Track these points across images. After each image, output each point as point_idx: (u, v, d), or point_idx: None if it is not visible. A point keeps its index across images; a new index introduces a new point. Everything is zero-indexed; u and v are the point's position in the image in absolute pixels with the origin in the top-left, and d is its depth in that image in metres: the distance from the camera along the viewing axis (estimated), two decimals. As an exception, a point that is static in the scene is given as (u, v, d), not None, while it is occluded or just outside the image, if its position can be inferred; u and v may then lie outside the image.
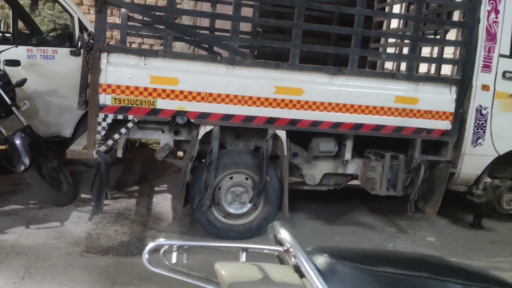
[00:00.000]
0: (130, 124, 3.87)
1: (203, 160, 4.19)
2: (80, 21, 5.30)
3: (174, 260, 1.49)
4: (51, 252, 3.78)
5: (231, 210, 4.27)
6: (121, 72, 3.76)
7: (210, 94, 3.91)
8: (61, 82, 5.30)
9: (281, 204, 4.31)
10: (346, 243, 4.47)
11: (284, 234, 1.46)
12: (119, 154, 4.17)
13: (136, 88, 3.79)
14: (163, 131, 4.18)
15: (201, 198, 4.10)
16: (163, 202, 5.11)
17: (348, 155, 4.49)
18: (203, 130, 3.97)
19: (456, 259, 4.28)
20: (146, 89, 3.80)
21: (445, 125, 4.38)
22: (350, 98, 4.16)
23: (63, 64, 5.28)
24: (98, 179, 3.88)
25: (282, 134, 4.11)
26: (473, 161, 4.56)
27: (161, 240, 1.49)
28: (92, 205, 4.00)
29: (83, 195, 4.99)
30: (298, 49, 4.00)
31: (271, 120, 4.06)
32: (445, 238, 4.82)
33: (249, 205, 4.29)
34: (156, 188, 5.53)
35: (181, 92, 3.86)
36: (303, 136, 4.34)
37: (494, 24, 4.37)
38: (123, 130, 3.88)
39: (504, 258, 4.45)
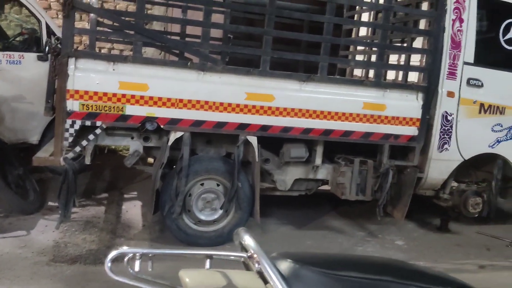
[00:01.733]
0: (98, 131, 3.82)
1: (173, 167, 4.16)
2: (47, 26, 5.21)
3: (137, 268, 1.47)
4: (16, 262, 3.69)
5: (202, 217, 4.25)
6: (89, 77, 3.71)
7: (181, 100, 3.90)
8: (28, 88, 5.19)
9: (253, 210, 4.32)
10: (316, 248, 4.50)
11: (248, 240, 1.46)
12: (87, 161, 4.11)
13: (105, 94, 3.74)
14: (132, 138, 4.13)
15: (172, 205, 4.07)
16: (133, 210, 5.04)
17: (318, 160, 4.54)
18: (173, 136, 3.95)
19: (423, 262, 4.38)
20: (114, 95, 3.76)
21: (412, 131, 4.48)
22: (320, 105, 4.21)
23: (30, 70, 5.18)
24: (65, 186, 3.81)
25: (253, 140, 4.12)
26: (440, 166, 4.67)
27: (124, 248, 1.48)
28: (60, 213, 3.92)
29: (50, 203, 4.89)
30: (269, 56, 4.04)
31: (242, 126, 4.07)
32: (413, 241, 4.90)
33: (220, 212, 4.28)
34: (125, 195, 5.45)
35: (151, 98, 3.84)
36: (274, 142, 4.37)
37: (459, 32, 4.50)
38: (91, 137, 3.82)
39: (469, 260, 4.56)
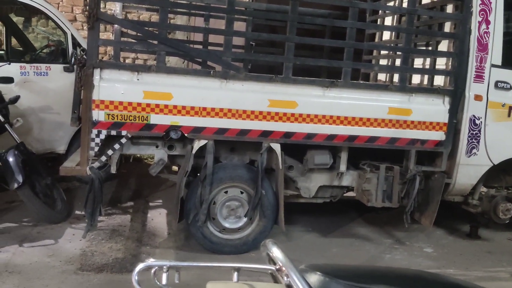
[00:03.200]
0: (123, 140, 3.86)
1: (197, 175, 4.17)
2: (73, 37, 5.30)
3: (164, 281, 1.46)
4: (45, 271, 3.74)
5: (227, 225, 4.24)
6: (114, 87, 3.76)
7: (204, 109, 3.91)
8: (55, 99, 5.29)
9: (277, 218, 4.29)
10: (343, 255, 4.45)
11: (276, 252, 1.44)
12: (113, 170, 4.15)
13: (129, 103, 3.78)
14: (157, 146, 4.16)
15: (196, 213, 4.08)
16: (158, 218, 5.08)
17: (343, 167, 4.49)
18: (197, 144, 3.96)
19: (453, 270, 4.28)
20: (139, 104, 3.80)
21: (439, 135, 4.39)
22: (343, 110, 4.16)
23: (57, 81, 5.28)
24: (92, 195, 3.86)
25: (276, 147, 4.10)
26: (468, 171, 4.56)
27: (150, 261, 1.48)
28: (86, 222, 3.96)
29: (77, 212, 4.96)
30: (291, 62, 4.02)
31: (266, 134, 4.05)
32: (442, 249, 4.79)
33: (245, 219, 4.26)
34: (150, 204, 5.50)
35: (175, 107, 3.86)
36: (297, 148, 4.34)
37: (485, 34, 4.41)
38: (116, 146, 3.86)
39: (502, 267, 4.44)
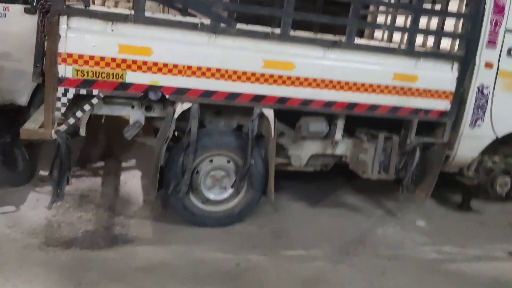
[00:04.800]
0: (94, 100, 3.34)
1: (179, 141, 3.72)
2: (34, -27, 4.58)
3: None
4: (4, 245, 3.32)
5: (211, 196, 3.86)
6: (84, 39, 3.18)
7: (189, 67, 3.40)
8: (14, 44, 4.61)
9: (266, 188, 3.93)
10: (333, 228, 4.17)
11: None
12: (82, 132, 3.64)
13: (102, 58, 3.23)
14: (133, 107, 3.66)
15: (177, 183, 3.67)
16: (132, 181, 4.65)
17: (338, 135, 4.11)
18: (180, 108, 3.48)
19: (449, 247, 4.08)
20: (113, 59, 3.25)
21: (444, 105, 4.04)
22: (345, 75, 3.73)
23: (16, 23, 4.59)
24: (58, 162, 3.37)
25: (269, 113, 3.67)
26: (470, 143, 4.27)
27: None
28: (52, 191, 3.49)
29: (41, 172, 4.46)
30: (291, 17, 3.50)
31: (258, 98, 3.60)
32: (434, 222, 4.57)
33: (231, 191, 3.88)
34: (123, 164, 5.05)
35: (155, 64, 3.33)
36: (290, 114, 3.91)
37: (503, -5, 3.97)
38: (86, 107, 3.35)
39: (498, 244, 4.25)
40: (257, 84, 3.56)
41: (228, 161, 3.83)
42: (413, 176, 4.20)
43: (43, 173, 4.41)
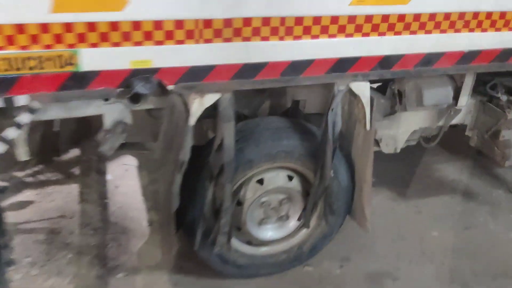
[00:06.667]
0: (23, 118, 1.62)
1: (204, 160, 2.03)
2: None
3: None
4: None
5: (265, 235, 2.26)
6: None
7: (208, 23, 1.63)
8: None
9: (350, 208, 2.33)
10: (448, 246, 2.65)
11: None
12: (24, 156, 1.94)
13: (20, 27, 1.47)
14: (106, 99, 1.91)
15: (208, 230, 2.06)
16: (128, 201, 2.99)
17: (463, 100, 2.42)
18: (198, 104, 1.77)
19: None
20: (45, 27, 1.49)
21: None
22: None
23: None
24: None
25: (363, 88, 1.96)
26: None
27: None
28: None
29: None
30: None
31: (343, 64, 1.87)
32: None
33: (296, 223, 2.28)
34: (113, 171, 3.34)
35: (135, 24, 1.57)
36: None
37: None
38: (11, 133, 1.64)
39: None
40: (342, 38, 1.80)
41: (290, 178, 2.17)
42: None
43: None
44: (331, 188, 2.16)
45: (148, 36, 1.60)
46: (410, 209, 2.95)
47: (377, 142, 2.57)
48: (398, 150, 2.61)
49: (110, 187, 3.04)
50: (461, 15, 1.90)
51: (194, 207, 2.04)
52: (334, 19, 1.76)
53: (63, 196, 2.92)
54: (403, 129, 2.55)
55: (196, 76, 1.72)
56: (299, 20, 1.72)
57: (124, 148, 2.05)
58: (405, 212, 2.91)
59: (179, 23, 1.61)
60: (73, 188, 2.98)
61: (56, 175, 3.12)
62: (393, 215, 2.87)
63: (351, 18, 1.78)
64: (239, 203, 2.14)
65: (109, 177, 3.13)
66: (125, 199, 2.93)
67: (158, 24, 1.59)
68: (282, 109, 2.29)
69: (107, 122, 1.94)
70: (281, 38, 1.74)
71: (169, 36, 1.62)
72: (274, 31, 1.72)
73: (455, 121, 2.62)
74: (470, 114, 2.65)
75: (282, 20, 1.70)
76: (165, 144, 2.01)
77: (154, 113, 2.13)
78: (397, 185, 3.13)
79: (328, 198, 2.20)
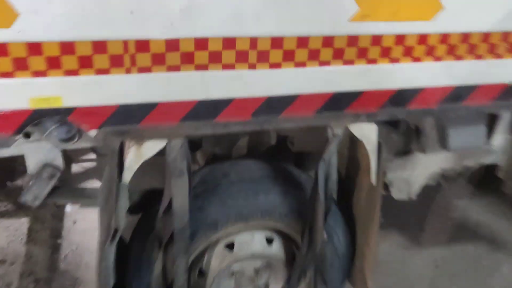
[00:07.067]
0: None
1: (151, 223, 1.54)
2: None
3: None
4: None
5: (237, 312, 1.76)
6: None
7: (143, 45, 1.13)
8: None
9: (348, 275, 1.82)
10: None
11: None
12: None
13: None
14: (28, 136, 1.40)
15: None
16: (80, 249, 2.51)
17: (499, 139, 1.89)
18: (136, 155, 1.27)
19: None
20: None
21: None
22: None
23: None
24: None
25: (368, 132, 1.45)
26: None
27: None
28: None
29: None
30: None
31: (338, 101, 1.36)
32: None
33: (279, 294, 1.78)
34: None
35: (33, 46, 1.08)
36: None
37: None
38: None
39: None
40: (339, 66, 1.29)
41: (270, 241, 1.66)
42: None
43: None
44: (324, 254, 1.65)
45: (54, 63, 1.11)
46: (426, 261, 2.43)
47: (386, 186, 2.06)
48: (414, 197, 2.09)
49: (67, 222, 2.57)
50: (504, 35, 1.38)
51: (141, 284, 1.55)
52: (328, 41, 1.25)
53: (8, 234, 2.45)
54: (419, 171, 2.02)
55: (129, 117, 1.22)
56: (277, 42, 1.21)
57: (57, 195, 1.56)
58: (419, 266, 2.39)
59: (99, 46, 1.11)
60: (22, 224, 2.52)
61: (6, 205, 2.66)
62: (404, 271, 2.36)
63: (352, 39, 1.26)
64: (202, 273, 1.64)
65: (68, 209, 2.66)
66: (82, 239, 2.45)
67: (67, 47, 1.09)
68: (265, 147, 1.79)
69: (31, 165, 1.45)
70: (252, 66, 1.23)
71: (85, 63, 1.12)
72: (242, 57, 1.21)
73: (488, 161, 2.09)
74: (506, 154, 2.12)
75: (253, 41, 1.20)
76: (103, 198, 1.51)
77: (99, 150, 1.65)
78: (410, 229, 2.62)
79: (319, 266, 1.69)
